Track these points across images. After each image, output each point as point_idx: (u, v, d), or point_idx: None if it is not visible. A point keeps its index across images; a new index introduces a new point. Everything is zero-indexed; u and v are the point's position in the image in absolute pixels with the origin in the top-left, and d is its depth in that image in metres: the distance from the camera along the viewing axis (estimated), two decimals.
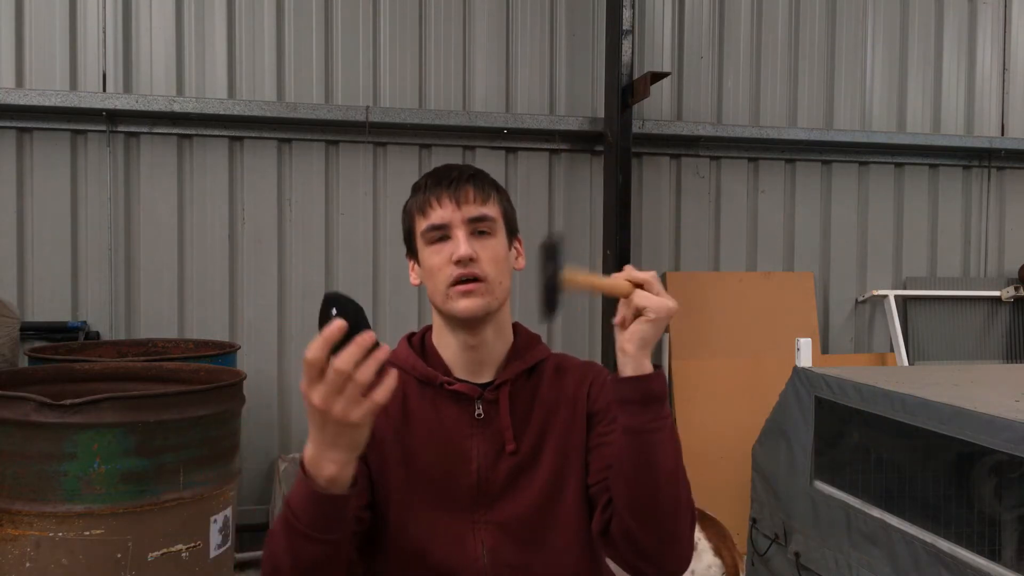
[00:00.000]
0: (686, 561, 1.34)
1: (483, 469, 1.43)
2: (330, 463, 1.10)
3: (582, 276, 1.34)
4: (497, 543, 1.42)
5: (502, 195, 1.53)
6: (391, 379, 1.06)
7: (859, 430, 3.36)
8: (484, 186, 1.48)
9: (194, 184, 4.82)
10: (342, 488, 1.13)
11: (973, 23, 5.93)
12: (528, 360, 1.52)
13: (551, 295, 1.33)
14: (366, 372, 1.03)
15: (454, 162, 1.68)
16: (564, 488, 1.46)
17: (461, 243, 1.41)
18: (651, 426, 1.28)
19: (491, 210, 1.47)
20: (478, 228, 1.44)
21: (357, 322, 1.05)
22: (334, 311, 1.05)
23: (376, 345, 1.05)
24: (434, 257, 1.43)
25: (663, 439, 1.28)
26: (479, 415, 1.46)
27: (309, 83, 4.93)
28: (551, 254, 1.33)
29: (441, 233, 1.43)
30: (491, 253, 1.45)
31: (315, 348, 1.04)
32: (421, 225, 1.45)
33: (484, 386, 1.48)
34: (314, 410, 1.06)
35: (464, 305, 1.42)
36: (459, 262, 1.41)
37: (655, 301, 1.27)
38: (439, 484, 1.43)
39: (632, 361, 1.28)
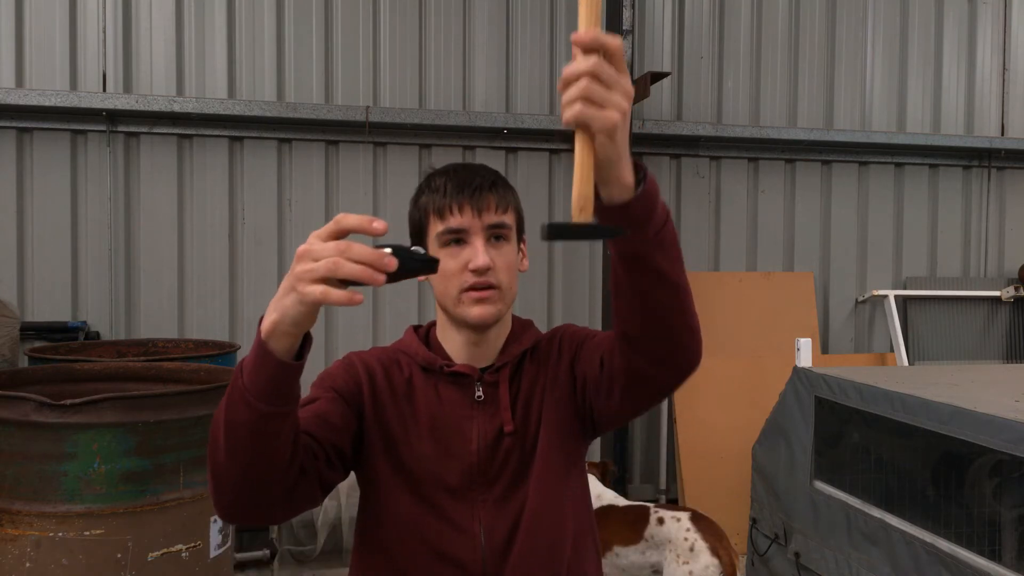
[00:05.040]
0: (699, 354, 1.30)
1: (483, 449, 1.45)
2: (270, 314, 1.11)
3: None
4: (495, 522, 1.43)
5: (517, 200, 1.53)
6: (351, 295, 1.05)
7: (859, 430, 3.36)
8: (504, 194, 1.47)
9: (194, 184, 4.83)
10: (281, 350, 1.12)
11: (973, 23, 5.93)
12: (524, 342, 1.54)
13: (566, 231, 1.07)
14: (355, 251, 1.04)
15: (454, 162, 1.66)
16: (561, 464, 1.48)
17: (480, 253, 1.41)
18: (651, 246, 1.15)
19: (509, 218, 1.47)
20: (495, 234, 1.45)
21: (410, 264, 1.09)
22: (395, 251, 1.08)
23: (387, 277, 1.06)
24: (449, 261, 1.43)
25: (664, 253, 1.19)
26: (479, 397, 1.48)
27: (309, 83, 4.93)
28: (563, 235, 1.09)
29: (457, 237, 1.43)
30: (505, 261, 1.45)
31: (354, 218, 1.07)
32: (437, 227, 1.45)
33: (484, 370, 1.50)
34: (297, 257, 1.08)
35: (477, 312, 1.43)
36: (476, 271, 1.41)
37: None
38: (439, 465, 1.44)
39: (614, 185, 1.08)
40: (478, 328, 1.46)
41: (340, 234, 1.07)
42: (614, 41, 1.02)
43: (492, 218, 1.43)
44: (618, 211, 1.10)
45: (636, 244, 1.15)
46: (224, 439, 1.18)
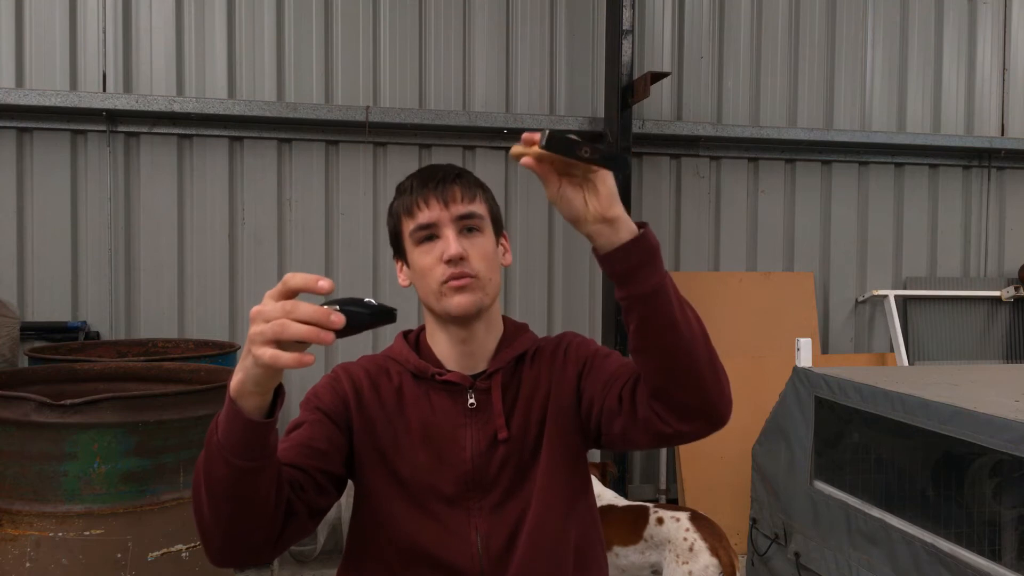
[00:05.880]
0: (724, 412, 1.30)
1: (476, 457, 1.45)
2: (237, 373, 1.12)
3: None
4: (492, 529, 1.43)
5: (487, 194, 1.53)
6: (300, 358, 1.05)
7: (859, 430, 3.36)
8: (470, 185, 1.48)
9: (194, 184, 4.83)
10: (251, 409, 1.12)
11: (973, 23, 5.93)
12: (517, 347, 1.53)
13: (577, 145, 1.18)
14: (301, 311, 1.03)
15: (454, 162, 1.66)
16: (565, 472, 1.47)
17: (451, 242, 1.41)
18: (665, 281, 1.22)
19: (478, 207, 1.47)
20: (466, 225, 1.45)
21: (358, 318, 1.08)
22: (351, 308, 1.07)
23: (338, 332, 1.05)
24: (424, 257, 1.44)
25: (674, 288, 1.24)
26: (472, 404, 1.47)
27: (309, 83, 4.93)
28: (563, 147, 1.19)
29: (429, 232, 1.44)
30: (480, 250, 1.45)
31: (300, 278, 1.06)
32: (409, 226, 1.46)
33: (476, 376, 1.49)
34: (251, 319, 1.07)
35: (457, 301, 1.42)
36: (450, 261, 1.41)
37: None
38: (433, 474, 1.44)
39: (621, 221, 1.20)
40: (462, 320, 1.46)
41: (288, 295, 1.06)
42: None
43: (460, 208, 1.44)
44: (630, 245, 1.20)
45: (650, 281, 1.21)
46: (206, 494, 1.19)
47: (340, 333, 1.05)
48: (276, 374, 1.09)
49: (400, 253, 1.52)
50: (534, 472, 1.45)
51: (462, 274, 1.41)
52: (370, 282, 4.99)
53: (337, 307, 1.06)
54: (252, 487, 1.17)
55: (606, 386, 1.43)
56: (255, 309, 1.07)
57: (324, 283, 1.04)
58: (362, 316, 1.08)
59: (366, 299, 1.09)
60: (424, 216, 1.43)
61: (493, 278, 1.47)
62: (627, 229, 1.21)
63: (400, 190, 1.50)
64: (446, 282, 1.42)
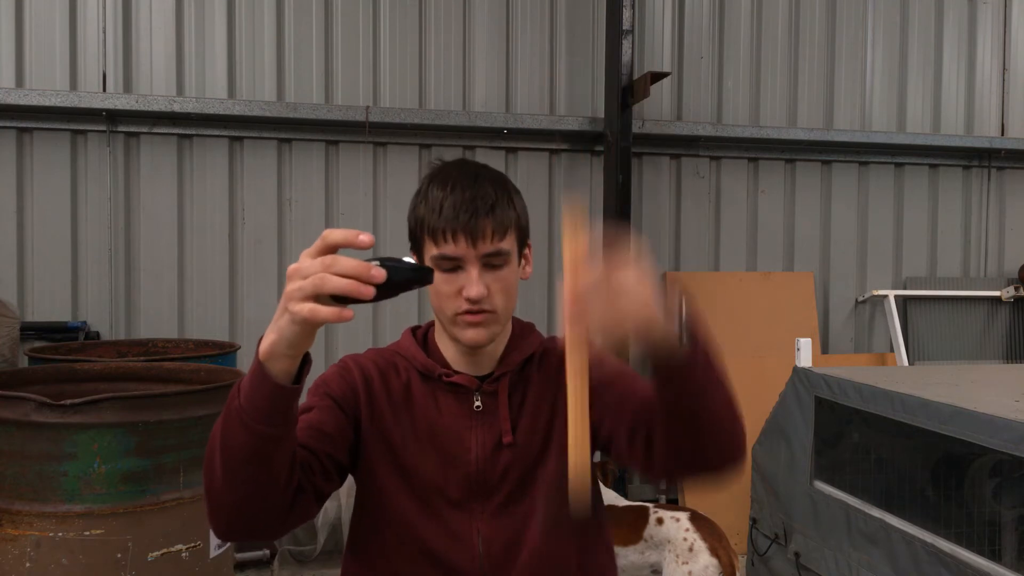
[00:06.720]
0: (744, 446, 1.34)
1: (481, 460, 1.44)
2: (268, 335, 1.10)
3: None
4: (493, 534, 1.43)
5: (519, 212, 1.46)
6: (340, 312, 1.03)
7: (859, 430, 3.36)
8: (504, 217, 1.40)
9: (194, 184, 4.83)
10: (279, 372, 1.11)
11: (973, 23, 5.93)
12: (525, 349, 1.52)
13: None
14: (341, 265, 1.01)
15: (458, 164, 1.57)
16: (562, 476, 1.46)
17: (474, 283, 1.37)
18: (706, 374, 1.21)
19: (507, 243, 1.41)
20: (492, 262, 1.41)
21: (400, 272, 1.05)
22: (388, 263, 1.05)
23: (376, 291, 1.03)
24: (443, 285, 1.40)
25: (707, 361, 1.21)
26: (478, 407, 1.47)
27: (309, 83, 4.93)
28: None
29: (453, 264, 1.39)
30: (502, 284, 1.41)
31: (340, 233, 1.04)
32: (431, 250, 1.40)
33: (483, 378, 1.49)
34: (288, 277, 1.06)
35: (470, 335, 1.41)
36: (469, 300, 1.39)
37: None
38: (438, 474, 1.44)
39: (659, 334, 1.13)
40: (472, 348, 1.46)
41: (328, 250, 1.05)
42: (591, 270, 1.09)
43: (487, 247, 1.38)
44: (677, 371, 1.18)
45: (690, 384, 1.20)
46: (220, 462, 1.17)
47: (379, 291, 1.03)
48: (311, 333, 1.08)
49: (417, 251, 1.48)
50: (538, 480, 1.45)
51: (480, 311, 1.40)
52: None
53: (377, 263, 1.03)
54: (269, 456, 1.16)
55: (620, 409, 1.40)
56: (292, 267, 1.05)
57: (365, 237, 1.02)
58: (404, 271, 1.05)
59: (405, 258, 1.07)
60: (449, 249, 1.38)
61: (509, 307, 1.45)
62: (667, 339, 1.14)
63: (429, 199, 1.42)
64: (461, 314, 1.41)
